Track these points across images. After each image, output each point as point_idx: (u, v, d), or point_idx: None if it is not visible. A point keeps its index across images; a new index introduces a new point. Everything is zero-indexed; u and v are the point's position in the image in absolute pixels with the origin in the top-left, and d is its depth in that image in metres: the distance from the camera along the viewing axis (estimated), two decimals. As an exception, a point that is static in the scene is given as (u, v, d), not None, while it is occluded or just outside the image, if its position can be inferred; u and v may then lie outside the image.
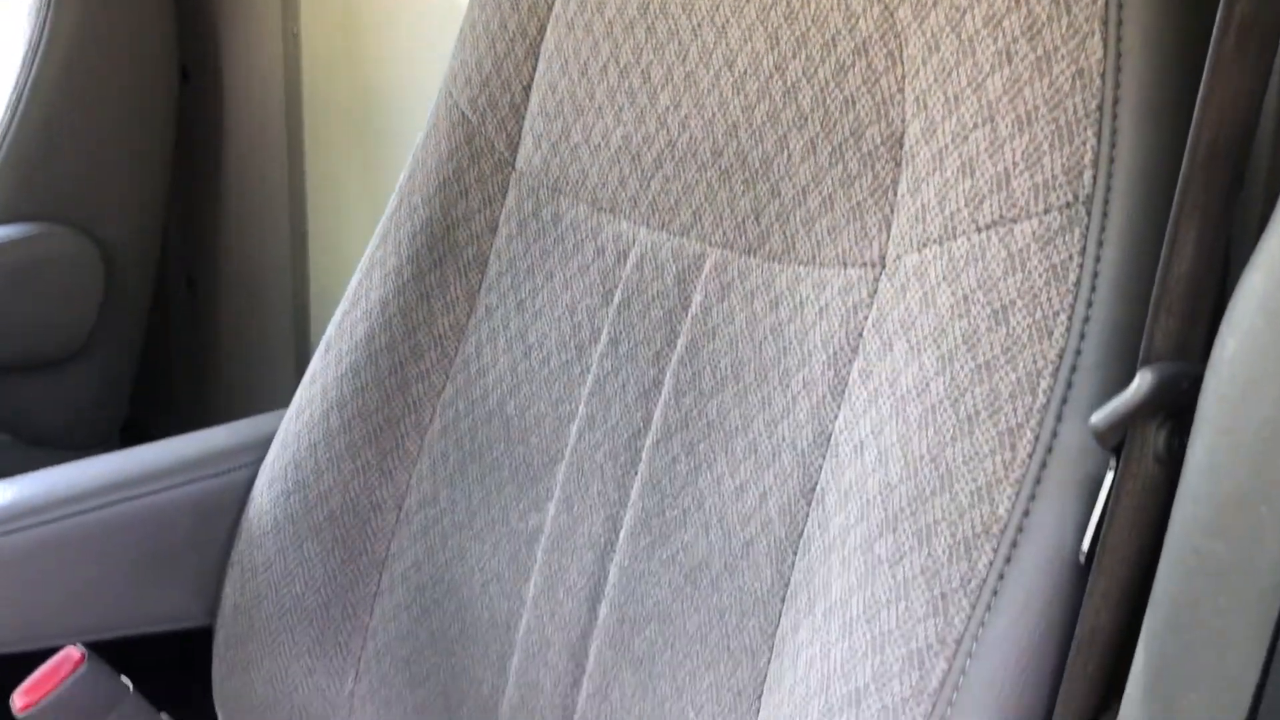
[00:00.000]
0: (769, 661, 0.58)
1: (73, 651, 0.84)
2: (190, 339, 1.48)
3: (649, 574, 0.64)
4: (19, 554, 0.81)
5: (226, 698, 0.83)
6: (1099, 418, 0.46)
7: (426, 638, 0.76)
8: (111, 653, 0.85)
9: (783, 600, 0.58)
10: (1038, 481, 0.49)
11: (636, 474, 0.67)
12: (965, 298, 0.52)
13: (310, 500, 0.80)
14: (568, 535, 0.70)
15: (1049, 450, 0.50)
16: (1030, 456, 0.50)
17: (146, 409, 1.42)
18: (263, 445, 0.85)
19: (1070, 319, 0.50)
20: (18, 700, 0.82)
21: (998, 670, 0.48)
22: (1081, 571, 0.49)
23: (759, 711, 0.58)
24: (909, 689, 0.49)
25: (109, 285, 1.31)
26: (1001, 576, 0.49)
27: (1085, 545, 0.48)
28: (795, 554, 0.58)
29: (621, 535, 0.67)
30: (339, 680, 0.80)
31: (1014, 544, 0.49)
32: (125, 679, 0.86)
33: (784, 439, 0.60)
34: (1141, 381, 0.45)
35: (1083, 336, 0.50)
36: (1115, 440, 0.47)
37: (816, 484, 0.58)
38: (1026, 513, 0.49)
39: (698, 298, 0.65)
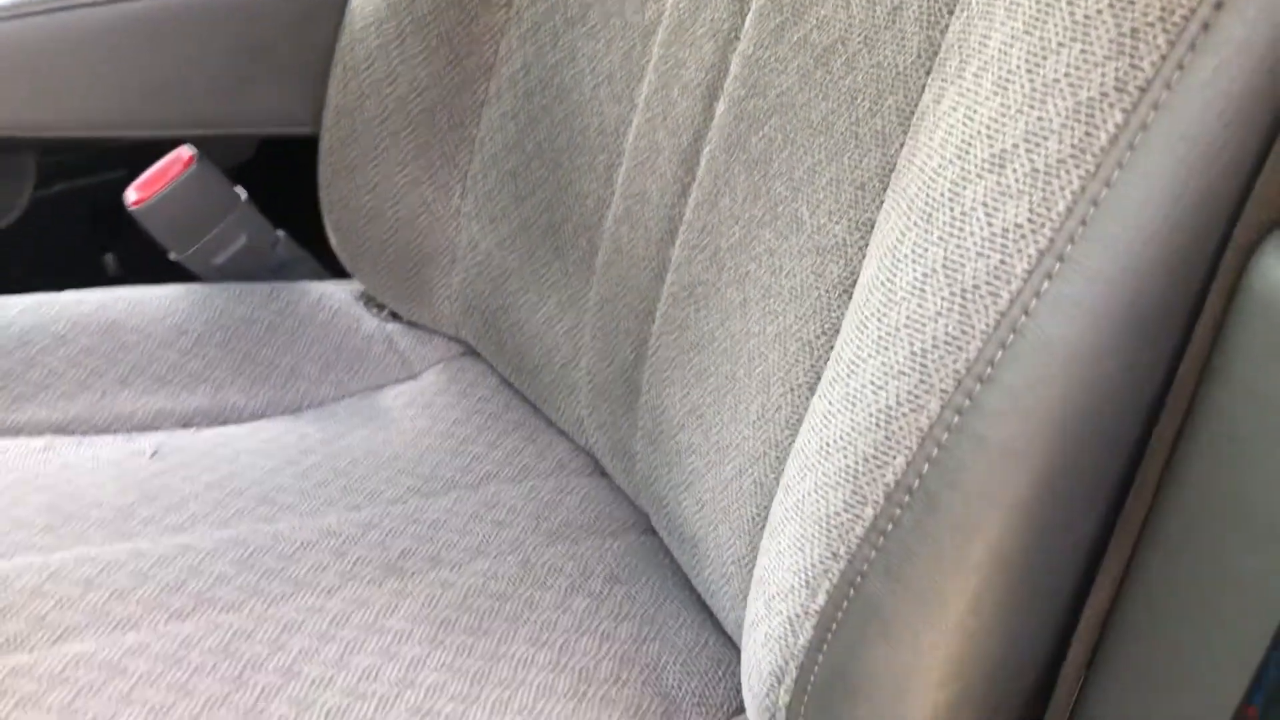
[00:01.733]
0: (901, 146, 0.48)
1: (183, 151, 0.81)
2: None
3: (775, 61, 0.54)
4: (108, 30, 0.76)
5: (333, 204, 0.79)
6: None
7: (533, 148, 0.70)
8: (226, 171, 0.82)
9: (928, 72, 0.47)
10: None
11: (771, -57, 0.55)
12: None
13: (411, -13, 0.72)
14: (688, 24, 0.60)
15: None
16: None
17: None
18: (367, -67, 0.77)
19: None
20: (131, 195, 0.81)
21: (1190, 123, 0.37)
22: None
23: (881, 205, 0.49)
24: (1069, 147, 0.39)
25: None
26: (1219, 6, 0.37)
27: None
28: (951, 13, 0.47)
29: (748, 19, 0.56)
30: (445, 195, 0.75)
31: None
32: (239, 188, 0.84)
33: None
34: None
35: None
36: None
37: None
38: (1270, -83, 0.36)
39: None
